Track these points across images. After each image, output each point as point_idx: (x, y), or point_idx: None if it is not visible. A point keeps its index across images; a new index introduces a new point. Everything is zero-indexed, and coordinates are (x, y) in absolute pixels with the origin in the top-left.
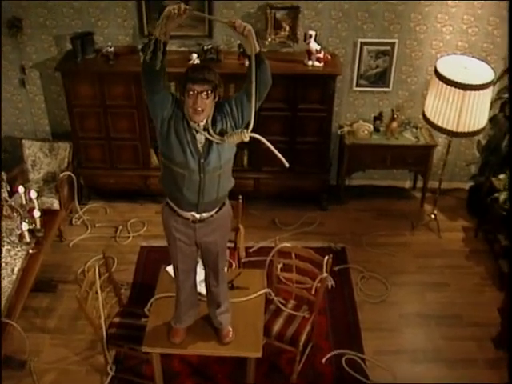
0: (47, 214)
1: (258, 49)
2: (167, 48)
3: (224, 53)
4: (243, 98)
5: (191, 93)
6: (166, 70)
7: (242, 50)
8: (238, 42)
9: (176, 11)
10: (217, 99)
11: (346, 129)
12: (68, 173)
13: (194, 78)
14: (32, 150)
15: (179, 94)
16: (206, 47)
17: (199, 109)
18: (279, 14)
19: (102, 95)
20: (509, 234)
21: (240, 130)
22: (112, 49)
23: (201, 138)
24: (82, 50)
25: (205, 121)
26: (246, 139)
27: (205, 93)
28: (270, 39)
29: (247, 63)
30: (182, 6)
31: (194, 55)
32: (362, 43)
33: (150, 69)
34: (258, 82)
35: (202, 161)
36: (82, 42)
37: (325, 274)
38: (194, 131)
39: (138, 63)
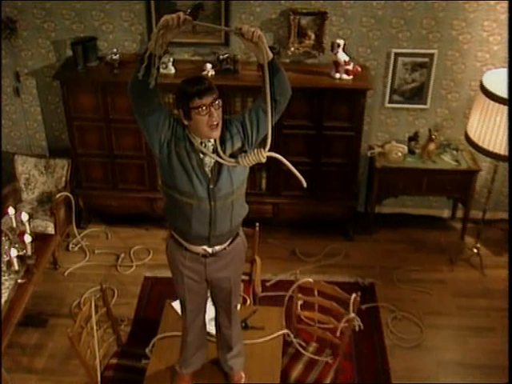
0: (40, 238)
1: (270, 55)
2: (179, 57)
3: (242, 63)
4: (259, 111)
5: (203, 108)
6: (158, 88)
7: None
8: None
9: (175, 21)
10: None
11: (376, 150)
12: (65, 193)
13: (200, 92)
14: (26, 167)
15: (182, 112)
16: (221, 56)
17: (215, 123)
18: (304, 21)
19: (105, 107)
20: (509, 244)
21: (256, 150)
22: (117, 56)
23: (209, 160)
24: (84, 57)
25: (212, 140)
26: (264, 160)
27: (216, 103)
28: (292, 49)
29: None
30: (182, 15)
31: (209, 65)
32: (396, 54)
33: (142, 88)
34: (275, 93)
35: (211, 187)
36: (83, 48)
37: (352, 315)
38: (200, 153)
39: None
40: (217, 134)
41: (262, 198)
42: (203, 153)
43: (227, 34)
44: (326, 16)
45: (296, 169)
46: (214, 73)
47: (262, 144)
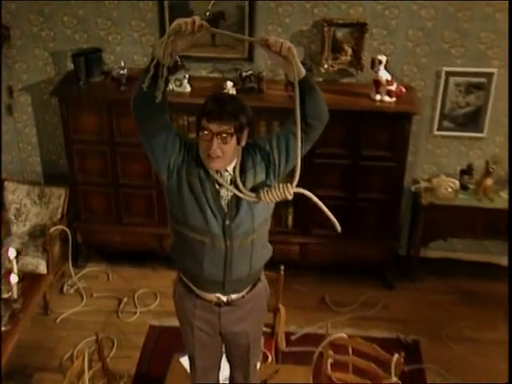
0: (30, 278)
1: (303, 72)
2: (195, 73)
3: (267, 81)
4: (289, 137)
5: (205, 133)
6: (167, 103)
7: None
8: None
9: (188, 27)
10: (242, 144)
11: (422, 185)
12: (61, 227)
13: (211, 114)
14: (17, 196)
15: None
16: (244, 73)
17: (214, 156)
18: (340, 33)
19: (109, 129)
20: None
21: (282, 185)
22: (125, 71)
23: (225, 192)
24: (87, 71)
25: (230, 169)
26: (290, 197)
27: (224, 135)
28: (326, 65)
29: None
30: (198, 19)
31: (229, 83)
32: (447, 73)
33: (147, 102)
34: (308, 116)
35: (227, 223)
36: (86, 61)
37: (394, 379)
38: (215, 184)
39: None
40: (214, 165)
41: (288, 237)
42: (219, 183)
43: (251, 46)
44: (365, 28)
45: (328, 204)
46: (235, 92)
47: (290, 176)
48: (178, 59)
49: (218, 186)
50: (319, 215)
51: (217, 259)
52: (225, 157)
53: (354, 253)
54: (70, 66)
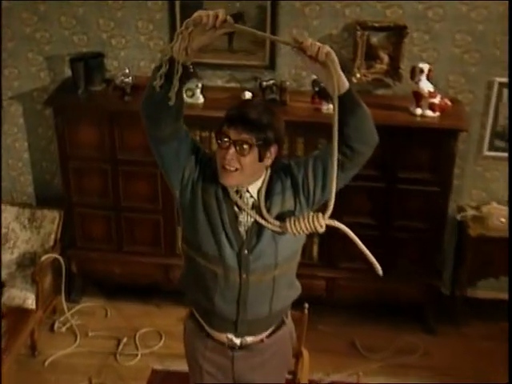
0: (16, 314)
1: (345, 84)
2: (210, 83)
3: (291, 92)
4: (328, 162)
5: (224, 140)
6: (182, 105)
7: (317, 88)
8: (312, 75)
9: (210, 20)
10: (266, 162)
11: (469, 213)
12: (54, 255)
13: (233, 118)
14: (4, 219)
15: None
16: (265, 83)
17: (228, 167)
18: (375, 38)
19: (111, 145)
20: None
21: (312, 215)
22: (129, 79)
23: (245, 217)
24: (86, 79)
25: (253, 191)
26: (321, 230)
27: (243, 145)
28: (359, 75)
29: (331, 107)
30: (222, 13)
31: (248, 94)
32: (501, 84)
33: (159, 104)
34: (352, 138)
35: (244, 253)
36: (86, 67)
37: None
38: (234, 206)
39: None
40: (228, 181)
41: (313, 270)
42: (239, 206)
43: (273, 52)
44: (405, 32)
45: (358, 233)
46: None
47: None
48: (190, 66)
49: (237, 210)
50: (349, 246)
51: (229, 294)
52: (242, 172)
53: (388, 290)
54: (68, 72)
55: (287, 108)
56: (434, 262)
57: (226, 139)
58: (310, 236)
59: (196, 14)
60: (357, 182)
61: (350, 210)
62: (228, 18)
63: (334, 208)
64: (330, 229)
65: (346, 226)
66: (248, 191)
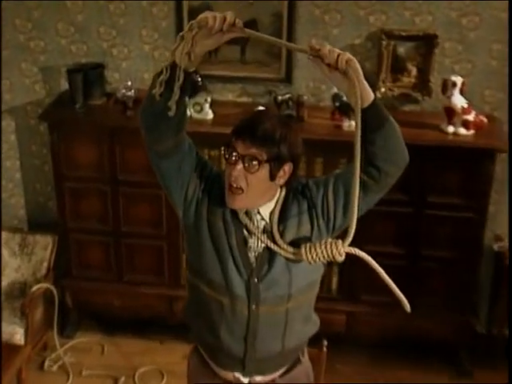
0: (2, 350)
1: (370, 96)
2: (220, 97)
3: (309, 108)
4: (350, 181)
5: (233, 154)
6: (185, 116)
7: (338, 103)
8: (333, 89)
9: (217, 23)
10: (279, 182)
11: (507, 243)
12: (46, 285)
13: (242, 130)
14: None
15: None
16: (280, 98)
17: (234, 185)
18: (402, 48)
19: (112, 164)
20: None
21: (331, 242)
22: (132, 92)
23: (255, 242)
24: (85, 92)
25: (265, 213)
26: (341, 259)
27: (253, 161)
28: (384, 89)
29: (353, 124)
30: (230, 16)
31: (261, 109)
32: None
33: (158, 114)
34: (377, 157)
35: (254, 281)
36: (85, 79)
37: None
38: (244, 230)
39: None
40: (235, 203)
41: (332, 304)
42: (249, 230)
43: (289, 64)
44: (435, 41)
45: (382, 263)
46: None
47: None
48: (199, 78)
49: (246, 233)
50: (372, 277)
51: (237, 327)
52: (249, 193)
53: (416, 327)
54: (65, 84)
55: (305, 125)
56: (468, 297)
57: (233, 153)
58: (329, 266)
59: (202, 16)
60: (381, 206)
61: (373, 238)
62: (237, 21)
63: (356, 235)
64: (350, 258)
65: (369, 255)
66: (259, 213)
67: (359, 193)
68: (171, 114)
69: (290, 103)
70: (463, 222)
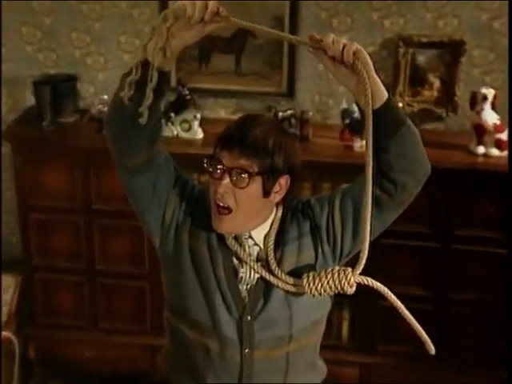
0: None
1: (384, 94)
2: (211, 114)
3: (315, 126)
4: (360, 197)
5: (217, 167)
6: (159, 124)
7: (348, 120)
8: (342, 105)
9: (197, 11)
10: (274, 198)
11: None
12: (6, 334)
13: (228, 138)
14: None
15: None
16: (281, 114)
17: (221, 204)
18: (423, 57)
19: (85, 191)
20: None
21: (338, 269)
22: None
23: (246, 272)
24: (55, 108)
25: (258, 237)
26: (351, 290)
27: (242, 174)
28: (401, 104)
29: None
30: (212, 3)
31: None
32: None
33: (128, 120)
34: (393, 167)
35: (247, 319)
36: (54, 93)
37: None
38: (233, 258)
39: None
40: (222, 226)
41: (342, 354)
42: (239, 257)
43: (292, 78)
44: (462, 48)
45: (405, 307)
46: None
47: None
48: (186, 91)
49: (236, 262)
50: (390, 321)
51: (227, 377)
52: (238, 212)
53: (443, 382)
54: (31, 99)
55: (310, 145)
56: (504, 347)
57: (218, 166)
58: (338, 308)
59: (179, 3)
60: (400, 239)
61: (392, 277)
62: (221, 9)
63: (371, 272)
64: (364, 299)
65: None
66: (251, 237)
67: (372, 211)
68: (143, 121)
69: (293, 121)
70: (496, 259)
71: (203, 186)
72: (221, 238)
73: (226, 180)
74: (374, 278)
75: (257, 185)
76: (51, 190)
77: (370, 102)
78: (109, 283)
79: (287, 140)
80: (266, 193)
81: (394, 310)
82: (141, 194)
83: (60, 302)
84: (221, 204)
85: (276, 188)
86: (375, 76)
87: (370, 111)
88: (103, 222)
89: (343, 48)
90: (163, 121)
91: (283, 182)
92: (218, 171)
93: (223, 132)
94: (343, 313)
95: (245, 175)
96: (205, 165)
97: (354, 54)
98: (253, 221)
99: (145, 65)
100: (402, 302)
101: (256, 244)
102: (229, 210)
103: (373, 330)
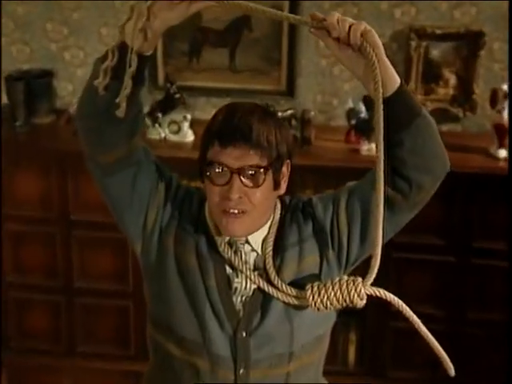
0: None
1: (396, 80)
2: (203, 115)
3: (317, 128)
4: (368, 197)
5: (216, 171)
6: (139, 115)
7: (354, 121)
8: (347, 104)
9: None
10: (283, 189)
11: None
12: None
13: (225, 134)
14: None
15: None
16: (280, 114)
17: (236, 211)
18: (437, 51)
19: (62, 200)
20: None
21: (346, 280)
22: None
23: (241, 282)
24: (28, 107)
25: (256, 242)
26: (362, 303)
27: (257, 173)
28: None
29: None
30: None
31: None
32: None
33: (102, 112)
34: (407, 164)
35: (242, 335)
36: (28, 90)
37: None
38: (226, 266)
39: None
40: (235, 230)
41: (349, 381)
42: (233, 266)
43: (291, 74)
44: (481, 41)
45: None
46: None
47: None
48: (174, 89)
49: (229, 270)
50: (402, 343)
51: None
52: (254, 213)
53: None
54: (3, 97)
55: (312, 148)
56: None
57: (218, 170)
58: (344, 330)
59: None
60: (412, 253)
61: (401, 292)
62: None
63: (384, 287)
64: (373, 319)
65: (398, 317)
66: (248, 242)
67: (384, 212)
68: (120, 113)
69: (293, 121)
70: None
71: (190, 187)
72: (211, 244)
73: (237, 183)
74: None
75: (269, 178)
76: (24, 198)
77: (381, 89)
78: (89, 302)
79: (280, 123)
80: (277, 184)
81: (405, 332)
82: (118, 195)
83: (34, 324)
84: (235, 211)
85: (282, 179)
86: (386, 60)
87: (381, 99)
88: (82, 234)
89: (349, 28)
90: (145, 116)
91: (285, 168)
92: (225, 176)
93: (216, 129)
94: (350, 335)
95: (260, 172)
96: (207, 173)
97: (362, 34)
98: (262, 219)
99: (122, 48)
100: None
101: (253, 250)
102: (243, 212)
103: (382, 354)
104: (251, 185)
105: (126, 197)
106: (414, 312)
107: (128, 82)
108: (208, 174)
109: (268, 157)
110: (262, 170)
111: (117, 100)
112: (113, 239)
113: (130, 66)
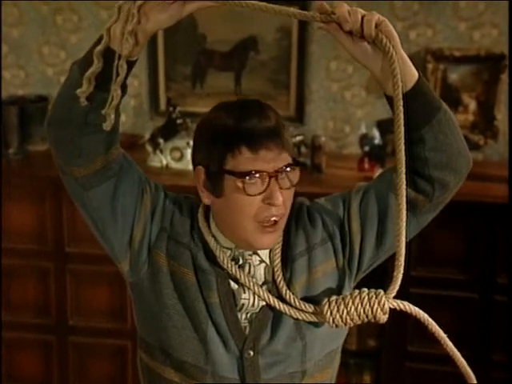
0: None
1: (414, 74)
2: None
3: (328, 154)
4: (388, 200)
5: (254, 177)
6: (119, 124)
7: (367, 147)
8: (360, 130)
9: None
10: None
11: None
12: None
13: (254, 136)
14: None
15: (204, 178)
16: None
17: (276, 218)
18: (455, 75)
19: (56, 232)
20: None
21: (367, 292)
22: None
23: (248, 299)
24: (23, 133)
25: (265, 252)
26: (384, 317)
27: (289, 171)
28: None
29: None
30: None
31: None
32: None
33: (80, 124)
34: (428, 162)
35: (249, 355)
36: (22, 116)
37: None
38: (229, 280)
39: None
40: (269, 243)
41: None
42: (237, 280)
43: (300, 99)
44: (502, 64)
45: (442, 371)
46: None
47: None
48: (177, 114)
49: (234, 285)
50: (421, 365)
51: None
52: (284, 218)
53: None
54: None
55: (323, 176)
56: None
57: (255, 176)
58: (359, 371)
59: None
60: (431, 288)
61: (420, 335)
62: None
63: (395, 331)
64: (388, 360)
65: (415, 359)
66: (257, 253)
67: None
68: (107, 126)
69: (303, 148)
70: None
71: (177, 196)
72: (210, 257)
73: (276, 188)
74: (398, 335)
75: (295, 176)
76: (16, 230)
77: (400, 83)
78: (83, 342)
79: (278, 113)
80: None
81: (422, 372)
82: (99, 210)
83: (25, 366)
84: (277, 219)
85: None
86: (403, 52)
87: (401, 94)
88: (77, 268)
89: (362, 19)
90: (146, 143)
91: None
92: (259, 182)
93: (236, 136)
94: (363, 377)
95: (295, 170)
96: (239, 185)
97: (377, 25)
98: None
99: (108, 53)
100: (438, 364)
101: (262, 261)
102: (281, 219)
103: (401, 377)
104: (287, 186)
105: (108, 212)
106: (436, 353)
107: (117, 92)
108: (240, 185)
109: (290, 152)
110: (296, 168)
111: (105, 111)
112: (109, 273)
113: (117, 74)
